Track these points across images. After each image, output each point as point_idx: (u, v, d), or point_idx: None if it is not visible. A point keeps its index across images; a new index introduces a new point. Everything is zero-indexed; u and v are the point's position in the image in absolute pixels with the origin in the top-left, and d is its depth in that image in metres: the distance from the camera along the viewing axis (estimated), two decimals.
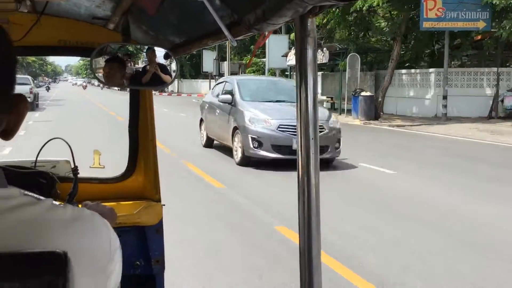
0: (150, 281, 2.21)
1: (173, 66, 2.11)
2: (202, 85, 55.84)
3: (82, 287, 0.78)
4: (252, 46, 35.32)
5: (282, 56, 26.11)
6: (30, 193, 1.49)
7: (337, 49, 22.97)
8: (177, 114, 23.35)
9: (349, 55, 22.59)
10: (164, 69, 2.08)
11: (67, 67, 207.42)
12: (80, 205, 1.75)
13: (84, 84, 74.59)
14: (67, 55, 2.30)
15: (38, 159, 2.18)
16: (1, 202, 0.76)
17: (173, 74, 2.10)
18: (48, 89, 57.64)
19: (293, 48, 25.34)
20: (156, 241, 2.19)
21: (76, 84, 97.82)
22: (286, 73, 29.25)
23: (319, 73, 28.41)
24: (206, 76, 48.02)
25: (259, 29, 1.02)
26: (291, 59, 24.61)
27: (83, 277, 0.78)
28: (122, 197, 2.28)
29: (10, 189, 0.81)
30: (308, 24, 1.02)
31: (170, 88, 51.23)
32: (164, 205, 2.25)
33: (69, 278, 0.71)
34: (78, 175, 2.12)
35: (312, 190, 1.06)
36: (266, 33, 1.21)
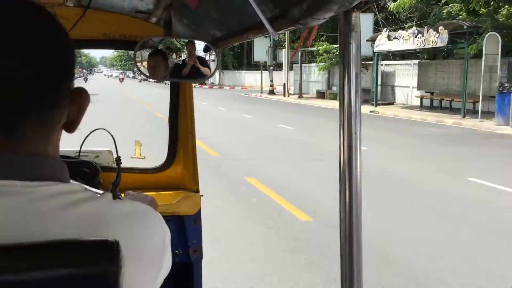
0: (188, 269, 2.26)
1: (213, 59, 2.14)
2: (247, 76, 52.39)
3: (136, 279, 0.82)
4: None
5: (367, 40, 21.35)
6: (90, 188, 1.54)
7: (464, 27, 17.12)
8: (216, 109, 22.59)
9: (487, 35, 16.15)
10: (203, 62, 2.11)
11: (102, 59, 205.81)
12: (122, 194, 1.80)
13: (121, 76, 70.10)
14: (111, 48, 2.36)
15: (81, 149, 2.25)
16: (66, 196, 0.80)
17: (213, 67, 2.13)
18: (86, 80, 58.81)
19: (384, 30, 21.07)
20: (194, 231, 2.23)
21: (111, 76, 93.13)
22: (369, 62, 24.23)
23: (414, 62, 24.81)
24: (256, 66, 42.87)
25: (304, 24, 1.03)
26: (382, 44, 20.58)
27: (137, 269, 0.82)
28: (161, 187, 2.33)
29: (74, 184, 0.85)
30: (353, 19, 1.02)
31: (210, 80, 49.31)
32: (202, 195, 2.29)
33: (121, 266, 0.73)
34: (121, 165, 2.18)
35: (354, 186, 1.06)
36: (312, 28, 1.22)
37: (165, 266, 0.91)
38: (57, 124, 0.84)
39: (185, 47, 2.05)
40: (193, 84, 2.36)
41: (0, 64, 0.75)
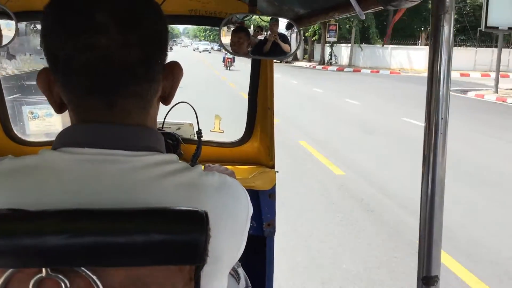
0: (261, 242, 2.32)
1: (295, 36, 2.14)
2: (395, 54, 34.47)
3: (223, 247, 0.87)
4: None
5: None
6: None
7: None
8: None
9: None
10: (284, 39, 2.12)
11: (185, 30, 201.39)
12: (203, 166, 1.87)
13: (227, 56, 30.72)
14: (196, 24, 2.42)
15: (165, 120, 2.35)
16: (164, 166, 0.86)
17: (294, 46, 2.14)
18: (171, 49, 61.28)
19: None
20: (268, 205, 2.28)
21: (197, 49, 73.20)
22: None
23: None
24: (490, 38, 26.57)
25: (396, 6, 1.02)
26: None
27: (225, 238, 0.87)
28: (238, 161, 2.40)
29: (170, 155, 0.90)
30: (447, 1, 0.99)
31: (331, 57, 38.32)
32: (277, 171, 2.33)
33: (210, 236, 0.78)
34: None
35: (438, 173, 1.05)
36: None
37: (246, 237, 0.96)
38: (153, 97, 0.90)
39: (269, 24, 2.07)
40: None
41: (100, 43, 0.81)
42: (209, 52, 64.90)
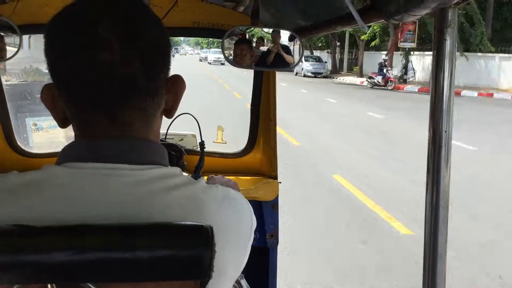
0: (264, 253, 2.32)
1: (298, 48, 2.15)
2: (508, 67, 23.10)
3: (227, 261, 0.87)
4: None
5: None
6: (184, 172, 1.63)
7: None
8: None
9: None
10: (287, 50, 2.13)
11: (185, 39, 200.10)
12: (205, 177, 1.87)
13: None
14: (199, 36, 2.44)
15: (167, 132, 2.36)
16: (169, 179, 0.86)
17: (296, 58, 2.14)
18: (173, 55, 58.49)
19: None
20: (271, 216, 2.28)
21: (206, 59, 55.26)
22: None
23: None
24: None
25: (398, 20, 1.02)
26: None
27: (229, 252, 0.87)
28: (241, 172, 2.40)
29: (173, 168, 0.90)
30: (449, 15, 1.00)
31: (405, 71, 27.49)
32: (280, 182, 2.33)
33: (215, 251, 0.78)
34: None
35: (441, 186, 1.05)
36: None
37: (249, 250, 0.96)
38: (156, 111, 0.90)
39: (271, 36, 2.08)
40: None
41: (103, 58, 0.81)
42: (222, 64, 43.73)
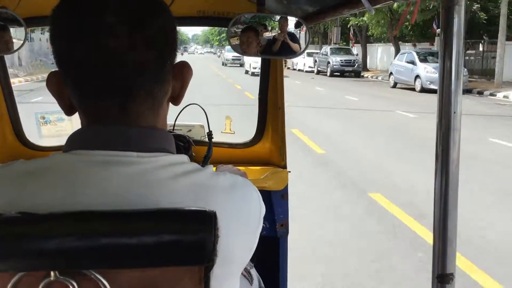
0: (274, 243, 2.31)
1: (304, 35, 2.12)
2: None
3: (235, 248, 0.86)
4: None
5: None
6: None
7: None
8: None
9: None
10: (293, 38, 2.11)
11: (194, 36, 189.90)
12: (214, 168, 1.86)
13: None
14: (204, 25, 2.42)
15: (176, 122, 2.35)
16: (176, 167, 0.86)
17: (303, 45, 2.12)
18: (182, 54, 59.34)
19: None
20: (281, 206, 2.27)
21: (229, 62, 39.43)
22: None
23: None
24: None
25: None
26: None
27: (236, 239, 0.86)
28: (250, 162, 2.39)
29: (181, 156, 0.90)
30: None
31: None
32: (290, 171, 2.32)
33: (218, 236, 0.77)
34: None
35: (451, 168, 1.03)
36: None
37: (257, 238, 0.95)
38: (164, 98, 0.89)
39: (278, 23, 2.06)
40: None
41: (110, 45, 0.80)
42: (241, 65, 34.45)
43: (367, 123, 12.36)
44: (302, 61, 34.37)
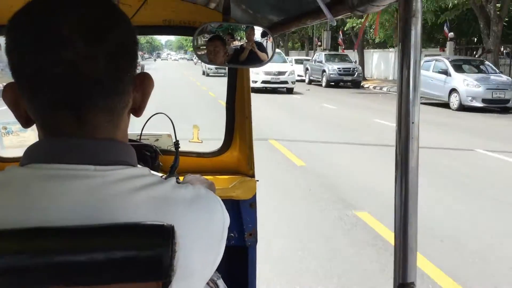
0: (243, 252, 2.30)
1: (270, 45, 2.13)
2: None
3: (196, 262, 0.85)
4: None
5: None
6: (154, 172, 1.60)
7: None
8: None
9: None
10: (261, 47, 2.11)
11: (167, 42, 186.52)
12: (181, 178, 1.85)
13: None
14: (170, 34, 2.41)
15: (142, 132, 2.32)
16: (136, 180, 0.84)
17: (270, 53, 2.13)
18: (154, 60, 59.66)
19: None
20: (249, 215, 2.26)
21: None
22: None
23: None
24: None
25: (363, 11, 1.01)
26: None
27: (198, 252, 0.85)
28: (218, 171, 2.38)
29: (142, 168, 0.89)
30: (414, 4, 0.99)
31: None
32: (258, 180, 2.32)
33: (175, 250, 0.76)
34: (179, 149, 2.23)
35: (410, 177, 1.05)
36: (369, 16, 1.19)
37: (222, 250, 0.94)
38: (123, 110, 0.88)
39: (244, 33, 2.06)
40: None
41: (67, 57, 0.79)
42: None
43: (450, 175, 7.50)
44: None
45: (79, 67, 0.79)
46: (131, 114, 0.93)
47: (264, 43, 2.13)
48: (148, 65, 42.50)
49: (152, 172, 1.12)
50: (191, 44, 1.97)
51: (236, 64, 2.13)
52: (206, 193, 0.93)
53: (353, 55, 31.01)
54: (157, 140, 2.42)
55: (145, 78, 0.91)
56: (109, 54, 0.82)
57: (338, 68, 25.46)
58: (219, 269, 1.08)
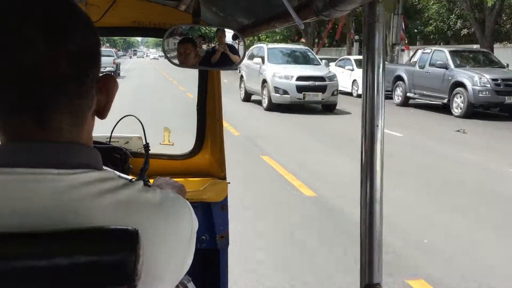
0: (214, 255, 2.30)
1: (242, 47, 2.13)
2: None
3: (163, 266, 0.84)
4: None
5: None
6: (121, 174, 1.57)
7: None
8: None
9: None
10: (233, 49, 2.12)
11: (143, 39, 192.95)
12: (151, 180, 1.83)
13: None
14: (140, 36, 2.39)
15: (112, 135, 2.30)
16: (100, 184, 0.83)
17: (241, 55, 2.13)
18: (130, 57, 59.99)
19: None
20: (221, 217, 2.26)
21: None
22: None
23: None
24: None
25: (327, 16, 1.02)
26: None
27: (165, 257, 0.84)
28: (189, 173, 2.37)
29: (107, 171, 0.87)
30: (377, 9, 1.01)
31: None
32: (229, 183, 2.32)
33: (140, 255, 0.75)
34: (149, 151, 2.22)
35: (375, 178, 1.06)
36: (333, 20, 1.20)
37: (191, 254, 0.93)
38: (87, 113, 0.87)
39: (216, 35, 2.06)
40: None
41: (27, 59, 0.77)
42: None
43: None
44: (348, 78, 19.63)
45: (40, 69, 0.78)
46: (96, 117, 0.92)
47: (236, 46, 2.13)
48: (123, 64, 40.74)
49: (121, 175, 1.11)
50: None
51: (207, 66, 2.12)
52: (174, 196, 0.92)
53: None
54: (127, 142, 2.40)
55: (109, 80, 0.90)
56: (70, 57, 0.80)
57: (492, 80, 13.17)
58: (190, 272, 1.07)
